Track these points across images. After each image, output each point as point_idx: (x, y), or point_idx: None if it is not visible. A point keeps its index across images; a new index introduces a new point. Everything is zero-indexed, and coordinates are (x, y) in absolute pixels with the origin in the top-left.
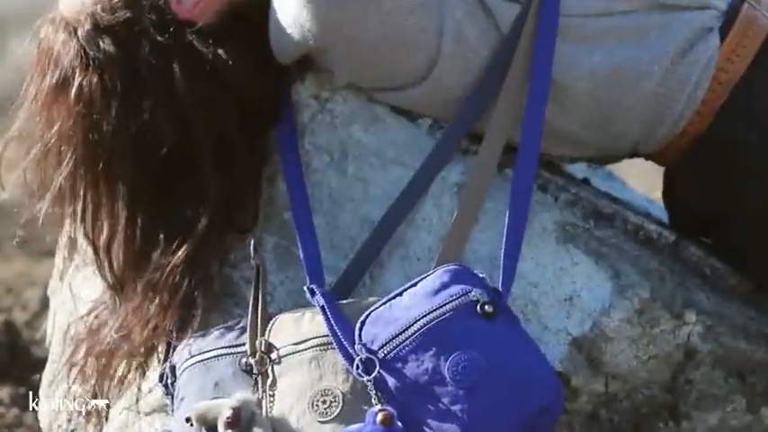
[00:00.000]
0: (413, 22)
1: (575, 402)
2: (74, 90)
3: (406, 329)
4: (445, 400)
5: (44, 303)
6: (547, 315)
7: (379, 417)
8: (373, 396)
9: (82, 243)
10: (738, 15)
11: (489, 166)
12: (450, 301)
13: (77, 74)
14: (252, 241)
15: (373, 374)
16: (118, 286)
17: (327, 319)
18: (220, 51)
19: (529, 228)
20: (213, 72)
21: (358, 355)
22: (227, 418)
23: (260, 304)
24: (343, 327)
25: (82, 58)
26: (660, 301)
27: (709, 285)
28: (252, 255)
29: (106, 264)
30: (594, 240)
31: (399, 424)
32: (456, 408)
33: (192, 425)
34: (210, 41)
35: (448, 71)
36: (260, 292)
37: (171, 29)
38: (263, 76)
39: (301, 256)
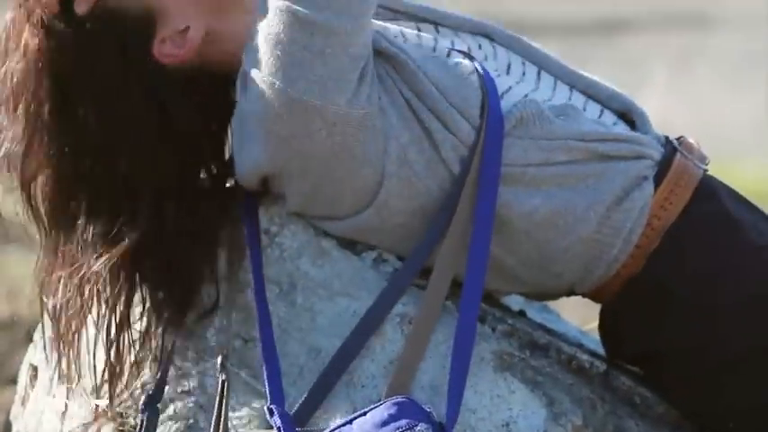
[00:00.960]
0: (359, 137)
1: None
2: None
3: None
4: None
5: (7, 429)
6: None
7: None
8: None
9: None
10: (671, 165)
11: (437, 301)
12: None
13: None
14: (220, 357)
15: None
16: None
17: None
18: (180, 101)
19: (474, 360)
20: (163, 115)
21: None
22: None
23: (221, 422)
24: None
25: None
26: (592, 427)
27: (638, 413)
28: (218, 369)
29: None
30: (530, 369)
31: None
32: None
33: None
34: (171, 86)
35: (393, 193)
36: (222, 409)
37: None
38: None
39: (265, 375)
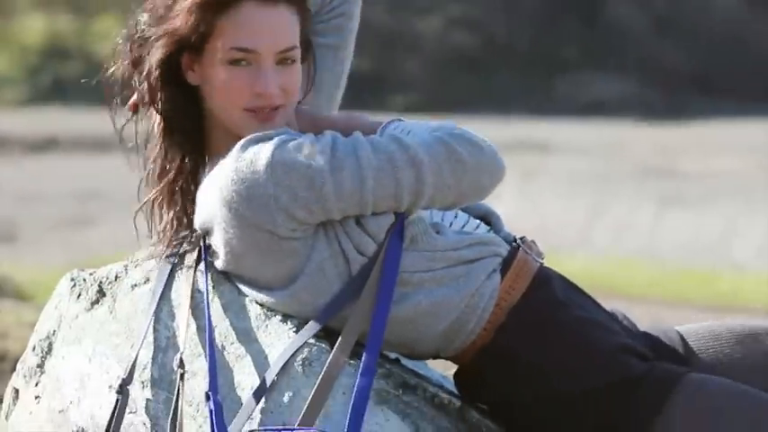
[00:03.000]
0: (289, 244)
1: None
2: None
3: None
4: None
5: None
6: None
7: None
8: None
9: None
10: (515, 259)
11: (343, 356)
12: None
13: None
14: (179, 355)
15: None
16: None
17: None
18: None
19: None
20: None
21: None
22: None
23: (178, 416)
24: None
25: None
26: None
27: None
28: (175, 366)
29: None
30: (402, 404)
31: None
32: None
33: None
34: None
35: (305, 289)
36: (179, 403)
37: None
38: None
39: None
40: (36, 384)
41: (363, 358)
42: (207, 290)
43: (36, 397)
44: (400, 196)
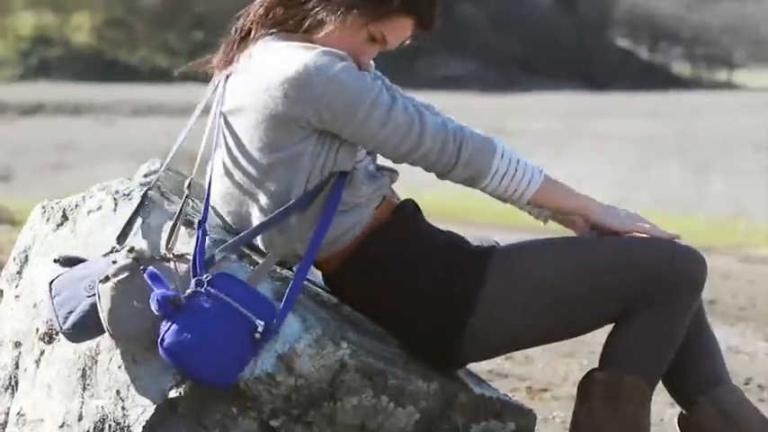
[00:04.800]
0: (296, 128)
1: (278, 389)
2: None
3: None
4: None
5: None
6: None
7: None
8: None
9: None
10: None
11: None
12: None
13: None
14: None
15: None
16: None
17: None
18: None
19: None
20: None
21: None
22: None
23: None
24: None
25: None
26: (328, 335)
27: (356, 327)
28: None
29: None
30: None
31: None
32: None
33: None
34: None
35: (280, 162)
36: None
37: None
38: None
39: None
40: (16, 286)
41: (305, 255)
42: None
43: (16, 296)
44: (401, 150)
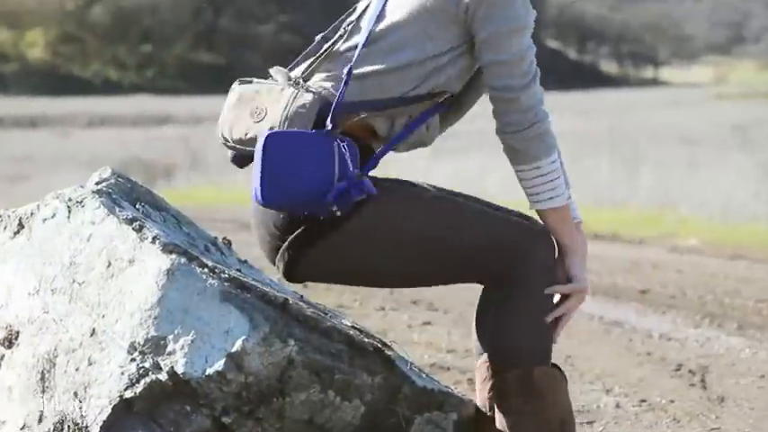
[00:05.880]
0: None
1: (228, 386)
2: None
3: None
4: None
5: None
6: (214, 341)
7: None
8: None
9: None
10: None
11: None
12: None
13: None
14: None
15: None
16: None
17: None
18: None
19: (207, 295)
20: None
21: None
22: None
23: None
24: None
25: None
26: (275, 333)
27: (302, 325)
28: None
29: None
30: (240, 300)
31: None
32: None
33: None
34: None
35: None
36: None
37: None
38: None
39: None
40: None
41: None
42: None
43: None
44: (503, 81)
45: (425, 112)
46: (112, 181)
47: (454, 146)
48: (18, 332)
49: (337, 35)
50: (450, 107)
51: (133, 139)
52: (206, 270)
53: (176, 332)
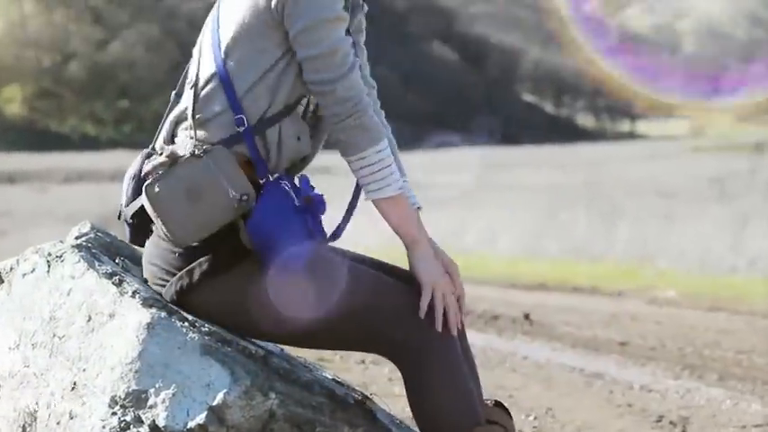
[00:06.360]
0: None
1: None
2: None
3: None
4: None
5: None
6: (195, 394)
7: None
8: None
9: None
10: None
11: None
12: None
13: None
14: None
15: None
16: None
17: None
18: None
19: (187, 348)
20: None
21: None
22: None
23: None
24: None
25: None
26: (256, 386)
27: (283, 378)
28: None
29: None
30: (221, 354)
31: None
32: None
33: None
34: None
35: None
36: None
37: None
38: None
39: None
40: None
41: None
42: None
43: None
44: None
45: (288, 123)
46: (92, 235)
47: (422, 198)
48: None
49: (186, 85)
50: (317, 114)
51: (111, 194)
52: (186, 324)
53: (157, 386)
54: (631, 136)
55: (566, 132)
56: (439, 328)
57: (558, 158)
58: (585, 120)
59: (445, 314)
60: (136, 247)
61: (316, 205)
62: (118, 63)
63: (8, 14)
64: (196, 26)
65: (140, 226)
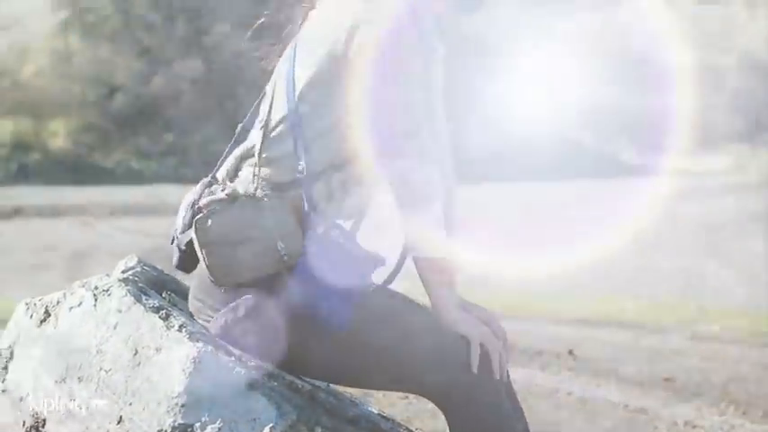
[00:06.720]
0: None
1: None
2: None
3: None
4: None
5: None
6: (241, 429)
7: None
8: None
9: None
10: None
11: None
12: None
13: None
14: None
15: None
16: None
17: None
18: None
19: (233, 383)
20: None
21: None
22: None
23: None
24: None
25: None
26: (302, 421)
27: (329, 413)
28: None
29: None
30: (268, 389)
31: None
32: None
33: None
34: None
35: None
36: None
37: None
38: None
39: None
40: (2, 381)
41: None
42: None
43: (3, 391)
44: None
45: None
46: (138, 269)
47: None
48: (45, 420)
49: (257, 122)
50: None
51: (156, 228)
52: (232, 358)
53: (203, 420)
54: (674, 171)
55: (608, 168)
56: (482, 371)
57: (601, 194)
58: (629, 155)
59: (490, 358)
60: (180, 278)
61: (369, 260)
62: (162, 97)
63: (54, 48)
64: (239, 61)
65: (191, 255)
